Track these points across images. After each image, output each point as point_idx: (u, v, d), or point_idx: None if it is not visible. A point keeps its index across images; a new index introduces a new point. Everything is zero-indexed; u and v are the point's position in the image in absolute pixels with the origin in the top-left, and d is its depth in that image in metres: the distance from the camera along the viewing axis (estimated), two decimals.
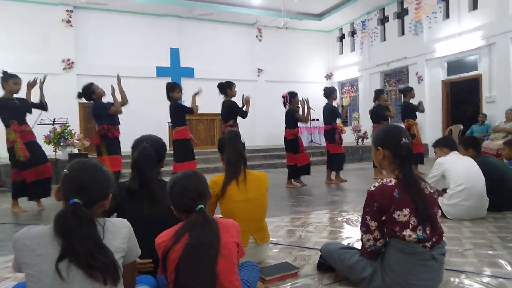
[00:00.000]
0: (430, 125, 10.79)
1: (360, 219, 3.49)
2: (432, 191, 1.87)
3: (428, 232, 1.77)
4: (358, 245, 2.38)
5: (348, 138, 12.39)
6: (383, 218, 1.79)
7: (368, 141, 10.91)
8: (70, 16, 11.27)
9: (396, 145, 1.86)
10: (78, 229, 1.22)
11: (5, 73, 4.56)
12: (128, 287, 1.47)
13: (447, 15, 10.45)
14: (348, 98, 14.25)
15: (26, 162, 4.44)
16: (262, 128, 12.24)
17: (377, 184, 1.82)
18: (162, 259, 1.52)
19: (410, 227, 1.74)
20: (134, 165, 2.01)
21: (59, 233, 1.22)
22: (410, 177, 1.81)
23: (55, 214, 1.26)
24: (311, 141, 12.05)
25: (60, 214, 1.24)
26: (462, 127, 9.22)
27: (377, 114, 6.71)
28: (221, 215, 2.31)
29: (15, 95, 4.58)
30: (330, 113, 6.29)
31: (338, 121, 6.57)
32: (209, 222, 1.55)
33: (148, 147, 2.01)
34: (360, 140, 11.60)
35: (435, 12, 10.59)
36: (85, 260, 1.20)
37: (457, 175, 3.31)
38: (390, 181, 1.80)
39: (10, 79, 4.48)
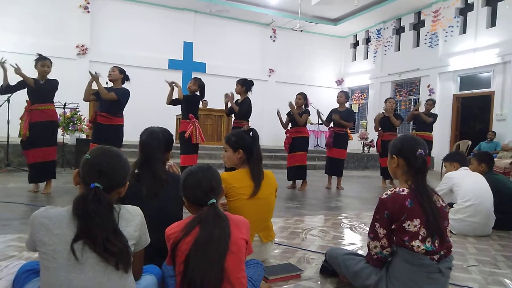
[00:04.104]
0: (438, 139, 10.72)
1: (364, 226, 3.52)
2: (443, 204, 1.87)
3: (436, 244, 1.76)
4: (362, 252, 2.38)
5: (354, 145, 12.38)
6: (393, 226, 1.79)
7: (374, 149, 10.87)
8: (88, 3, 11.36)
9: (411, 155, 1.86)
10: (97, 212, 1.24)
11: (38, 55, 4.60)
12: (136, 275, 1.48)
13: (464, 30, 10.39)
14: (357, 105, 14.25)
15: (27, 141, 4.45)
16: (269, 128, 12.23)
17: (389, 192, 1.82)
18: (171, 250, 1.53)
19: (419, 238, 1.74)
20: (141, 147, 2.07)
21: (78, 215, 1.24)
22: (423, 188, 1.81)
23: (75, 197, 1.27)
24: (317, 145, 12.04)
25: (80, 197, 1.26)
26: (470, 143, 9.16)
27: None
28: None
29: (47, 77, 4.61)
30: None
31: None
32: (220, 217, 1.56)
33: (157, 131, 2.11)
34: (366, 148, 11.56)
35: (452, 26, 10.55)
36: (101, 244, 1.22)
37: (466, 190, 3.30)
38: (403, 190, 1.80)
39: (39, 61, 4.53)
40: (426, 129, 6.89)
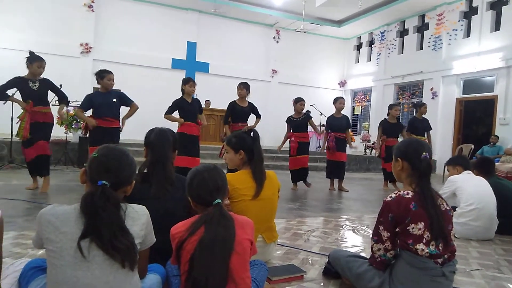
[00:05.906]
0: (440, 142, 10.73)
1: (366, 228, 3.52)
2: (448, 208, 1.87)
3: (440, 248, 1.77)
4: (365, 254, 2.38)
5: (356, 147, 12.35)
6: (397, 229, 1.79)
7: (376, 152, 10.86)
8: (93, 1, 11.39)
9: (416, 159, 1.86)
10: (105, 209, 1.25)
11: (31, 53, 4.55)
12: (141, 274, 1.49)
13: (468, 34, 10.38)
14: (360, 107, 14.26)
15: (27, 141, 4.54)
16: (271, 129, 12.23)
17: (393, 195, 1.82)
18: (176, 250, 1.53)
19: (424, 241, 1.74)
20: (151, 147, 2.05)
21: (85, 212, 1.25)
22: (427, 191, 1.81)
23: (83, 195, 1.28)
24: (319, 146, 12.02)
25: (88, 194, 1.27)
26: (473, 146, 9.15)
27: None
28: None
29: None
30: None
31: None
32: (225, 217, 1.56)
33: (166, 130, 2.11)
34: (368, 150, 11.55)
35: (456, 30, 10.54)
36: (108, 241, 1.22)
37: (469, 194, 3.29)
38: (407, 193, 1.80)
39: (35, 62, 4.48)
40: (421, 133, 6.92)
